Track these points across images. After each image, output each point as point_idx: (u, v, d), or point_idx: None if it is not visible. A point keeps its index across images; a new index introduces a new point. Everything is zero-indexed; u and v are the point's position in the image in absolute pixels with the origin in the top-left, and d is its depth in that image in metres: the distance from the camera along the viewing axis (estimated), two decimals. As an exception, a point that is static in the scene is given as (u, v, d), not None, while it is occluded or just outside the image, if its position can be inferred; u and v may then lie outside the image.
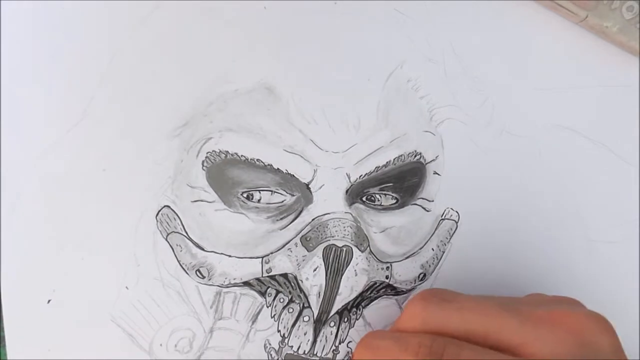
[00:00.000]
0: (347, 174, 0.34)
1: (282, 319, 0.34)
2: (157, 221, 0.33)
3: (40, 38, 0.32)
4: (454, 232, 0.37)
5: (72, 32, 0.32)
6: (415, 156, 0.35)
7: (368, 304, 0.36)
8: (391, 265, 0.36)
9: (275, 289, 0.34)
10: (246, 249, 0.34)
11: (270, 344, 0.34)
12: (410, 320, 0.28)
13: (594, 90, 0.37)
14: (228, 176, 0.33)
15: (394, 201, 0.36)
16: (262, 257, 0.34)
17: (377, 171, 0.35)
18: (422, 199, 0.36)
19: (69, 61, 0.32)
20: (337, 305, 0.35)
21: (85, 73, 0.32)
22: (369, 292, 0.35)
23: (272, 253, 0.34)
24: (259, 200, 0.34)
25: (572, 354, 0.25)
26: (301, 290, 0.34)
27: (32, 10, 0.32)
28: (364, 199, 0.35)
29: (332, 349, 0.35)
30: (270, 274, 0.34)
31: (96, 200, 0.32)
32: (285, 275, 0.34)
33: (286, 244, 0.34)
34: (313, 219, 0.34)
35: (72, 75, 0.32)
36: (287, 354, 0.34)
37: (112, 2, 0.32)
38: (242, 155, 0.33)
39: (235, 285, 0.34)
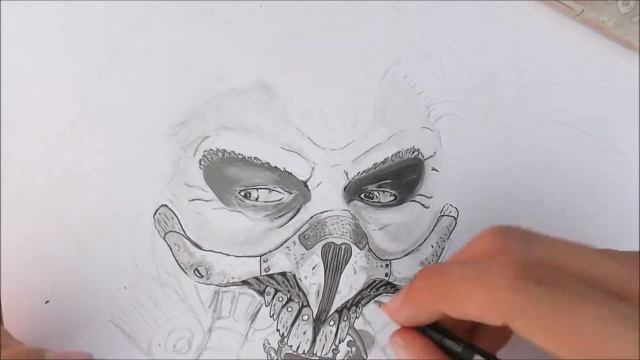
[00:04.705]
0: (345, 171, 0.34)
1: (281, 318, 0.34)
2: (154, 220, 0.33)
3: (38, 38, 0.32)
4: (453, 228, 0.37)
5: (70, 32, 0.32)
6: (413, 152, 0.35)
7: (368, 302, 0.35)
8: (390, 262, 0.36)
9: (274, 288, 0.34)
10: (244, 247, 0.34)
11: (269, 344, 0.34)
12: (488, 249, 0.25)
13: (591, 85, 0.37)
14: (225, 175, 0.33)
15: (393, 198, 0.35)
16: (261, 256, 0.34)
17: (375, 168, 0.35)
18: (421, 195, 0.36)
19: (66, 61, 0.32)
20: (337, 303, 0.34)
21: (82, 73, 0.32)
22: (368, 290, 0.35)
23: (270, 251, 0.34)
24: (256, 199, 0.34)
25: None
26: (300, 288, 0.34)
27: (30, 11, 0.32)
28: (362, 196, 0.35)
29: (332, 348, 0.35)
30: (268, 272, 0.34)
31: (94, 201, 0.32)
32: (284, 274, 0.34)
33: (284, 242, 0.34)
34: (311, 217, 0.34)
35: (69, 75, 0.32)
36: (286, 353, 0.34)
37: (109, 2, 0.32)
38: (239, 154, 0.33)
39: (233, 284, 0.34)
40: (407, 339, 0.27)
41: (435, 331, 0.27)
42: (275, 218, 0.34)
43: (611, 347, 0.21)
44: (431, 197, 0.36)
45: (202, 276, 0.33)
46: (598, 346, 0.21)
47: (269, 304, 0.34)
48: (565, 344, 0.22)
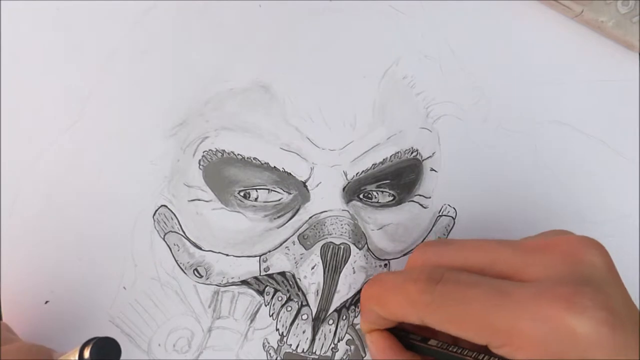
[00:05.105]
0: (344, 171, 0.34)
1: (281, 318, 0.34)
2: (154, 221, 0.33)
3: (38, 38, 0.32)
4: (452, 228, 0.37)
5: (70, 32, 0.32)
6: (412, 153, 0.35)
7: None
8: (389, 262, 0.36)
9: (274, 288, 0.34)
10: (244, 247, 0.34)
11: (269, 343, 0.34)
12: (412, 263, 0.30)
13: (590, 85, 0.37)
14: (225, 175, 0.33)
15: (391, 198, 0.36)
16: (260, 256, 0.34)
17: (373, 168, 0.35)
18: (419, 195, 0.36)
19: (65, 62, 0.32)
20: (336, 303, 0.35)
21: (81, 74, 0.32)
22: (367, 290, 0.35)
23: (269, 251, 0.34)
24: (256, 199, 0.34)
25: (566, 273, 0.25)
26: (299, 288, 0.34)
27: (30, 11, 0.32)
28: (361, 196, 0.35)
29: (331, 347, 0.35)
30: (268, 272, 0.34)
31: (93, 201, 0.32)
32: (283, 274, 0.34)
33: (284, 242, 0.34)
34: (310, 217, 0.34)
35: (68, 76, 0.32)
36: (285, 352, 0.34)
37: (108, 2, 0.32)
38: (238, 154, 0.33)
39: (233, 284, 0.34)
40: (375, 335, 0.31)
41: (399, 330, 0.31)
42: (275, 218, 0.34)
43: (493, 317, 0.24)
44: (430, 198, 0.36)
45: (201, 276, 0.33)
46: (483, 319, 0.25)
47: (269, 303, 0.34)
48: (463, 325, 0.25)
